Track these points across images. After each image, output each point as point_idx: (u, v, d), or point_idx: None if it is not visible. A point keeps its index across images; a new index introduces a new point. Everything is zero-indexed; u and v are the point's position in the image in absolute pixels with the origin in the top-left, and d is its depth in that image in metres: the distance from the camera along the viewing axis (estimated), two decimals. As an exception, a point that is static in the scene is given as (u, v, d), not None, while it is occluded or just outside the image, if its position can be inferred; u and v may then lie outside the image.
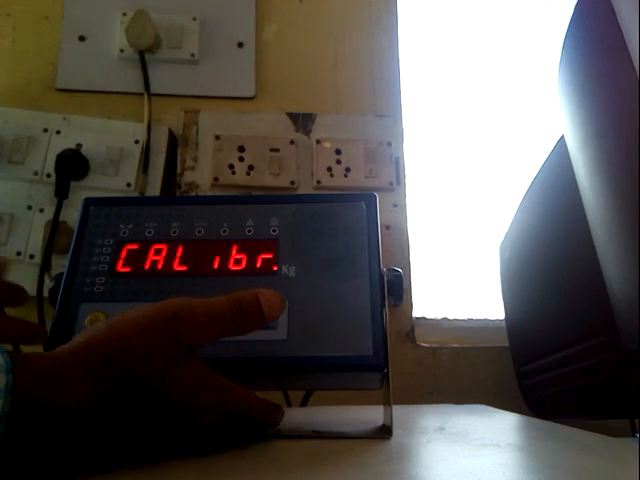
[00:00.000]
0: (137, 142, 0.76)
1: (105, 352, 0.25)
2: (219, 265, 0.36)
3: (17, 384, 0.22)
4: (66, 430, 0.24)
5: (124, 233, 0.38)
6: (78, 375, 0.24)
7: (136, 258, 0.37)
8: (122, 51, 0.81)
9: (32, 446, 0.23)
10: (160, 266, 0.36)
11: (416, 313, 0.81)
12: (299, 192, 0.78)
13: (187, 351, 0.28)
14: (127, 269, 0.36)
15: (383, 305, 0.35)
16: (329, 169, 0.79)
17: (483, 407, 0.55)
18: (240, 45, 0.85)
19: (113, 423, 0.26)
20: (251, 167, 0.78)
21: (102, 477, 0.24)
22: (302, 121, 0.82)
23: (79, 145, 0.75)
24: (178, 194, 0.77)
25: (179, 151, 0.79)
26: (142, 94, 0.80)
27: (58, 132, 0.75)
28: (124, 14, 0.82)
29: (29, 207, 0.73)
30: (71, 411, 0.24)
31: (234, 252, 0.37)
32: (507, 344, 0.72)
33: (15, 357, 0.23)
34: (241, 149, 0.79)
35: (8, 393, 0.21)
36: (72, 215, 0.70)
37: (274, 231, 0.38)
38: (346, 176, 0.79)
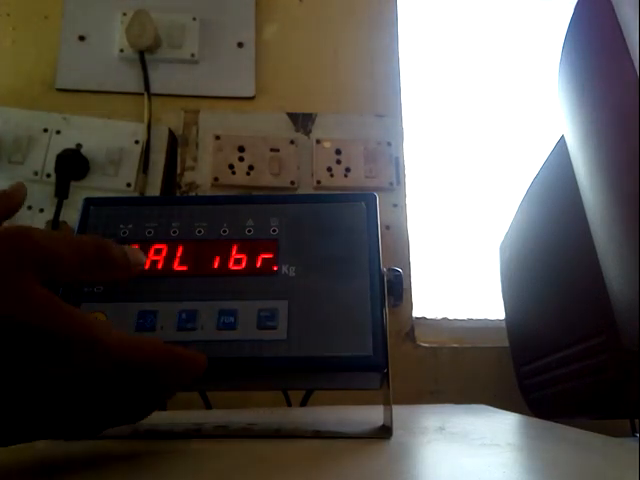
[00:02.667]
0: (137, 142, 0.76)
1: None
2: (219, 265, 0.36)
3: None
4: None
5: (124, 233, 0.38)
6: None
7: (136, 258, 0.37)
8: (122, 51, 0.81)
9: None
10: (160, 266, 0.36)
11: (416, 313, 0.81)
12: (299, 192, 0.78)
13: (36, 271, 0.23)
14: (127, 269, 0.36)
15: (383, 305, 0.35)
16: (329, 169, 0.79)
17: (483, 407, 0.55)
18: (240, 45, 0.85)
19: None
20: (251, 167, 0.78)
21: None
22: (302, 121, 0.82)
23: (79, 145, 0.75)
24: (178, 194, 0.77)
25: (179, 151, 0.79)
26: (142, 94, 0.80)
27: (58, 132, 0.75)
28: (124, 14, 0.83)
29: (29, 207, 0.73)
30: None
31: (234, 252, 0.37)
32: (507, 344, 0.72)
33: None
34: (241, 149, 0.79)
35: None
36: (72, 215, 0.70)
37: (274, 231, 0.37)
38: (346, 176, 0.79)
